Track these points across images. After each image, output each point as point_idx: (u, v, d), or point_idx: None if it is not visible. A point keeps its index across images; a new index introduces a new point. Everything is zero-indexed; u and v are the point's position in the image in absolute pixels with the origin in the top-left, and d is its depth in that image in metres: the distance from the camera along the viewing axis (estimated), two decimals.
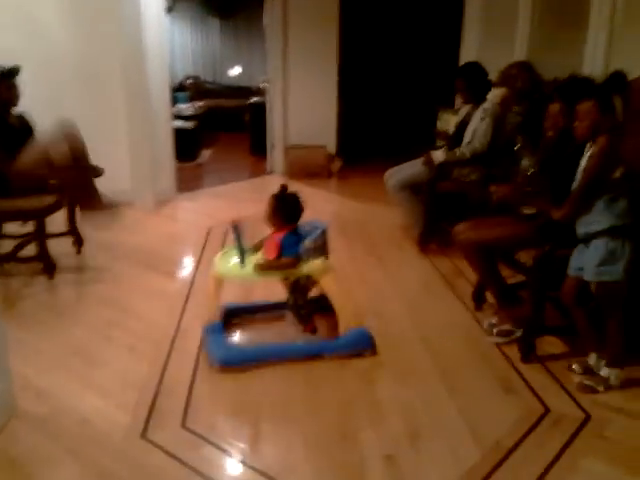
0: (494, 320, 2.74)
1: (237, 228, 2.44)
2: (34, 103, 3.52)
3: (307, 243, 2.44)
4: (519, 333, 2.60)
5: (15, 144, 3.40)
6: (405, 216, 4.15)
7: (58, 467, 1.88)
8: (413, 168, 4.01)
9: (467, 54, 5.18)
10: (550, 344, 2.60)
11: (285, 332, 2.69)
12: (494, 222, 2.74)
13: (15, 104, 3.38)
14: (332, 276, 2.53)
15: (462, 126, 3.93)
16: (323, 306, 2.64)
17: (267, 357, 2.47)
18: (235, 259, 2.50)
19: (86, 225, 3.69)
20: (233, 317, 2.81)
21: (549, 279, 2.42)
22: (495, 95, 3.77)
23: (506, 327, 2.66)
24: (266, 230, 2.55)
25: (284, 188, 2.48)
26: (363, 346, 2.54)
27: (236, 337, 2.72)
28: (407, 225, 4.18)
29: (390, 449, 1.96)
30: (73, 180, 3.47)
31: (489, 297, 2.93)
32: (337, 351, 2.50)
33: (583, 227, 2.26)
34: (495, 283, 2.77)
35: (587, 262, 2.21)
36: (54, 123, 3.49)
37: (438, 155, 3.90)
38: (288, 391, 2.30)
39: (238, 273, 2.49)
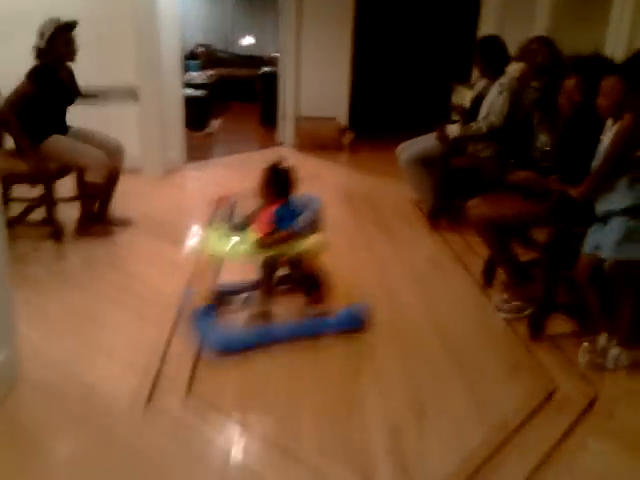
0: (505, 296, 2.71)
1: (227, 205, 2.43)
2: None
3: (304, 217, 2.40)
4: (529, 310, 2.57)
5: (63, 100, 3.40)
6: (416, 191, 4.10)
7: (64, 433, 1.89)
8: (426, 142, 3.95)
9: (486, 27, 5.06)
10: (560, 323, 2.56)
11: (281, 311, 2.59)
12: (508, 199, 2.69)
13: (71, 59, 3.34)
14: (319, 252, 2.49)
15: (478, 100, 3.85)
16: (312, 282, 2.58)
17: (266, 340, 2.38)
18: (228, 237, 2.41)
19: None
20: (224, 298, 2.68)
21: (562, 257, 2.38)
22: (514, 69, 3.68)
23: (517, 304, 2.64)
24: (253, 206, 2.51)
25: (278, 161, 2.44)
26: (359, 323, 2.50)
27: (230, 320, 2.58)
28: (418, 200, 4.13)
29: (395, 422, 1.96)
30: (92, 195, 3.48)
31: (500, 274, 2.89)
32: (334, 328, 2.46)
33: (603, 205, 2.21)
34: (507, 260, 2.73)
35: (606, 239, 2.17)
36: (107, 139, 3.53)
37: (453, 129, 3.83)
38: (294, 362, 2.29)
39: (237, 251, 2.38)
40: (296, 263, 2.52)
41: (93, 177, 3.36)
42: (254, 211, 2.49)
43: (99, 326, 2.53)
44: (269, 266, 2.49)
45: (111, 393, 2.06)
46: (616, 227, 2.15)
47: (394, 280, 3.06)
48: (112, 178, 3.53)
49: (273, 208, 2.38)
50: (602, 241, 2.18)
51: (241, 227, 2.44)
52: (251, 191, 2.50)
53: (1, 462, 1.75)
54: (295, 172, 2.46)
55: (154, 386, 2.09)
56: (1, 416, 1.92)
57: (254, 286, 2.68)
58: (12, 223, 3.29)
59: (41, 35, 3.18)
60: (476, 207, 2.75)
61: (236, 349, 2.31)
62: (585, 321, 2.52)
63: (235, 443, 1.87)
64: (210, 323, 2.44)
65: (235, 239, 2.40)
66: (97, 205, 3.57)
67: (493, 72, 3.74)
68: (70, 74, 3.45)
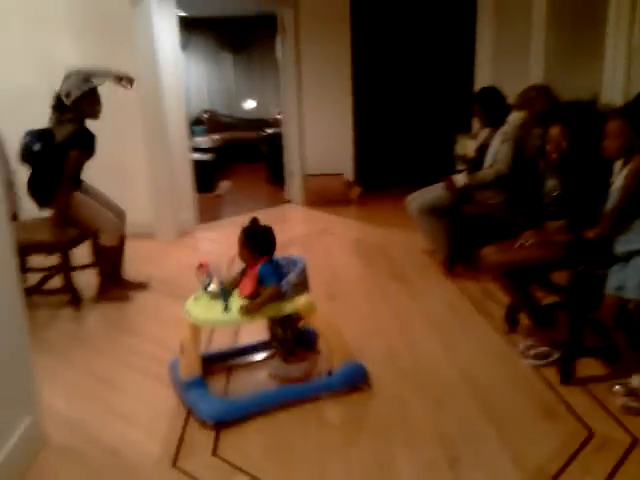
0: (530, 342, 2.67)
1: (206, 271, 2.36)
2: None
3: (291, 278, 2.33)
4: (557, 355, 2.53)
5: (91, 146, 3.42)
6: (428, 240, 4.11)
7: None
8: (434, 192, 3.99)
9: (481, 77, 5.21)
10: (590, 366, 2.51)
11: (268, 376, 2.54)
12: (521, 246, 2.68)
13: (97, 118, 3.41)
14: (320, 312, 2.41)
15: (482, 150, 3.92)
16: (305, 342, 2.53)
17: (262, 406, 2.27)
18: (210, 304, 2.33)
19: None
20: (211, 365, 2.58)
21: (586, 299, 2.36)
22: (515, 118, 3.76)
23: (543, 349, 2.59)
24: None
25: (254, 221, 2.39)
26: (359, 380, 2.42)
27: (221, 389, 2.48)
28: (431, 249, 4.14)
29: (427, 475, 1.89)
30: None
31: (522, 319, 2.86)
32: (334, 388, 2.38)
33: (622, 245, 2.21)
34: (529, 305, 2.71)
35: (629, 280, 2.15)
36: (112, 201, 3.63)
37: (459, 179, 3.88)
38: (321, 419, 2.24)
39: (223, 319, 2.29)
40: (287, 321, 2.43)
41: (108, 240, 3.41)
42: (236, 275, 2.44)
43: (120, 390, 2.50)
44: (286, 323, 2.43)
45: (135, 457, 2.02)
46: (638, 267, 2.14)
47: (414, 330, 3.03)
48: (122, 241, 3.59)
49: (256, 268, 2.32)
50: (625, 282, 2.17)
51: (223, 293, 2.31)
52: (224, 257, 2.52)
53: None
54: (273, 231, 2.39)
55: (178, 449, 2.05)
56: None
57: (243, 351, 2.72)
58: (30, 292, 3.32)
59: (67, 94, 3.21)
60: (490, 255, 2.73)
61: (234, 417, 2.20)
62: (616, 362, 2.48)
63: None
64: (201, 393, 2.29)
65: (216, 306, 2.31)
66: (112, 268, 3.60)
67: (494, 122, 3.82)
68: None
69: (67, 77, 3.25)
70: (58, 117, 3.28)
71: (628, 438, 2.04)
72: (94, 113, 3.38)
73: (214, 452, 2.04)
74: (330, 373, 2.43)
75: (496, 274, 2.75)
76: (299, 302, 2.34)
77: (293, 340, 2.47)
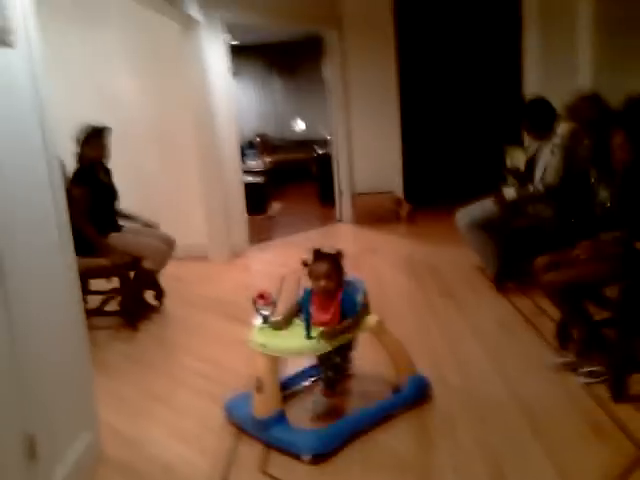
0: (581, 360, 2.60)
1: (267, 301, 2.29)
2: (114, 167, 3.79)
3: (360, 299, 2.31)
4: (607, 375, 2.45)
5: (107, 197, 3.66)
6: (479, 255, 4.07)
7: None
8: (484, 206, 3.96)
9: (530, 86, 5.12)
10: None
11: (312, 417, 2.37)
12: (576, 258, 2.60)
13: (101, 160, 3.63)
14: (386, 328, 2.42)
15: (532, 162, 3.87)
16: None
17: (353, 432, 2.20)
18: (281, 333, 2.27)
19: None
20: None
21: (638, 313, 2.29)
22: (564, 129, 3.70)
23: (595, 367, 2.52)
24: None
25: (328, 248, 2.31)
26: (426, 392, 2.45)
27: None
28: (481, 265, 4.09)
29: None
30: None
31: (574, 335, 2.79)
32: (407, 403, 2.38)
33: None
34: (582, 323, 2.63)
35: None
36: (158, 232, 3.80)
37: (509, 192, 3.84)
38: (366, 438, 2.24)
39: (307, 347, 2.20)
40: (342, 350, 2.36)
41: (150, 265, 3.58)
42: (295, 304, 2.37)
43: (173, 408, 2.59)
44: (342, 351, 2.36)
45: (187, 473, 2.09)
46: None
47: (464, 347, 3.00)
48: (162, 267, 3.75)
49: (337, 296, 2.26)
50: None
51: (307, 319, 2.26)
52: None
53: None
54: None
55: (228, 466, 2.11)
56: None
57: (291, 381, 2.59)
58: (90, 314, 3.50)
59: (76, 141, 3.49)
60: (544, 272, 2.65)
61: (331, 447, 2.13)
62: None
63: None
64: (288, 428, 2.20)
65: (290, 335, 2.26)
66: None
67: (543, 134, 3.77)
68: (107, 174, 3.74)
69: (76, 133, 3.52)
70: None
71: None
72: (99, 156, 3.61)
73: (263, 469, 2.09)
74: (397, 389, 2.42)
75: (552, 293, 2.67)
76: (371, 323, 2.34)
77: (345, 367, 2.44)
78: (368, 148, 6.32)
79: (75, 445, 2.04)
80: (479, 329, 3.23)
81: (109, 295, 3.69)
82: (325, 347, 2.19)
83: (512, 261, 3.80)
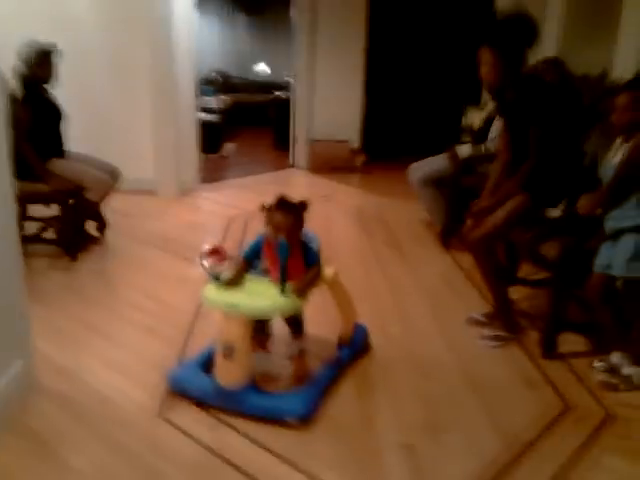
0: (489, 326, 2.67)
1: (225, 256, 2.10)
2: (65, 92, 3.59)
3: (316, 250, 2.15)
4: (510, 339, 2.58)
5: (54, 119, 3.48)
6: (427, 211, 4.12)
7: (78, 443, 1.90)
8: (437, 162, 3.98)
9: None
10: (572, 341, 2.54)
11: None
12: (482, 210, 2.66)
13: (47, 82, 3.43)
14: (340, 280, 2.31)
15: (489, 122, 3.88)
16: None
17: (325, 388, 2.15)
18: (245, 291, 2.04)
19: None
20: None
21: (574, 275, 2.37)
22: None
23: (500, 332, 2.61)
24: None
25: (285, 199, 2.08)
26: (367, 343, 2.48)
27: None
28: (429, 220, 4.14)
29: (408, 438, 1.95)
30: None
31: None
32: (357, 353, 2.41)
33: (612, 222, 2.21)
34: (497, 289, 2.66)
35: (616, 257, 2.16)
36: (104, 162, 3.63)
37: (463, 150, 3.86)
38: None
39: (287, 305, 2.01)
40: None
41: (93, 196, 3.47)
42: (242, 257, 2.14)
43: (111, 341, 2.55)
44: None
45: (123, 406, 2.08)
46: (626, 245, 2.15)
47: (407, 299, 3.06)
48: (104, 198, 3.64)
49: (298, 249, 2.07)
50: (613, 259, 2.18)
51: (282, 274, 2.00)
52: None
53: (18, 470, 1.77)
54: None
55: (165, 400, 2.10)
56: (18, 425, 1.95)
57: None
58: (27, 241, 3.36)
59: (23, 59, 3.30)
60: (471, 230, 2.68)
61: (315, 408, 2.04)
62: (598, 339, 2.51)
63: (245, 458, 1.85)
64: (266, 396, 2.06)
65: (257, 293, 2.04)
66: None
67: None
68: (51, 95, 3.54)
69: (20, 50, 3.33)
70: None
71: (603, 413, 2.08)
72: (46, 77, 3.41)
73: (199, 404, 2.08)
74: (344, 341, 2.37)
75: (474, 250, 2.63)
76: (329, 275, 2.21)
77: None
78: (329, 95, 6.20)
79: (6, 372, 1.98)
80: (422, 282, 3.30)
81: (48, 223, 3.54)
82: (299, 303, 2.04)
83: (458, 218, 3.86)
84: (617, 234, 2.19)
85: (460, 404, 2.15)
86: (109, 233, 3.81)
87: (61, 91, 3.56)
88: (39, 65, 3.35)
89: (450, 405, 2.14)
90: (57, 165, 3.40)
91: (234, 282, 2.04)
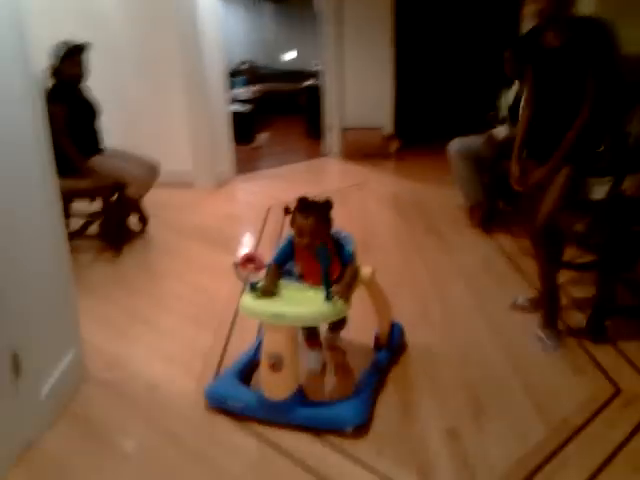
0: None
1: (261, 264, 1.98)
2: (98, 88, 3.66)
3: (352, 250, 2.03)
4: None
5: (88, 117, 3.54)
6: (459, 185, 4.00)
7: (128, 429, 1.96)
8: (476, 141, 3.92)
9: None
10: (621, 325, 2.48)
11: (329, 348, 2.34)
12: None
13: (80, 80, 3.49)
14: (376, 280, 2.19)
15: (518, 99, 3.80)
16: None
17: (374, 389, 2.08)
18: (284, 299, 1.92)
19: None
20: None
21: (622, 258, 2.32)
22: None
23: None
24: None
25: (307, 200, 1.97)
26: (404, 341, 2.42)
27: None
28: (462, 195, 4.03)
29: (453, 423, 1.94)
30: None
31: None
32: (397, 351, 2.35)
33: None
34: (549, 279, 2.47)
35: None
36: (143, 158, 3.69)
37: (500, 132, 3.79)
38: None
39: (334, 311, 1.88)
40: None
41: (132, 193, 3.55)
42: (273, 264, 2.02)
43: (157, 330, 2.61)
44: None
45: (171, 394, 2.13)
46: None
47: (447, 285, 3.04)
48: (144, 194, 3.71)
49: (332, 250, 1.96)
50: None
51: (326, 280, 1.86)
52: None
53: (72, 454, 1.83)
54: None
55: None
56: (71, 412, 2.02)
57: None
58: (73, 236, 3.45)
59: (54, 57, 3.35)
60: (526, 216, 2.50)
61: (368, 416, 1.95)
62: None
63: (293, 441, 1.87)
64: (317, 405, 2.00)
65: (296, 300, 1.92)
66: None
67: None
68: (85, 92, 3.59)
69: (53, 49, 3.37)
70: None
71: None
72: (78, 75, 3.46)
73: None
74: (381, 341, 2.30)
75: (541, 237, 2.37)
76: (367, 274, 2.09)
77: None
78: (360, 82, 6.15)
79: (59, 363, 2.05)
80: (463, 267, 3.26)
81: (91, 218, 3.62)
82: (345, 307, 1.91)
83: (499, 201, 3.81)
84: None
85: (504, 389, 2.13)
86: (150, 226, 3.88)
87: (94, 87, 3.62)
88: (72, 64, 3.40)
89: (494, 390, 2.12)
90: (96, 162, 3.47)
91: (271, 291, 1.92)
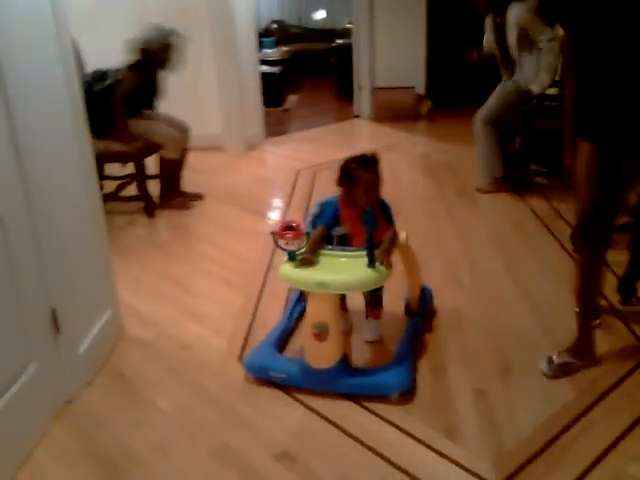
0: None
1: (301, 233, 1.86)
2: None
3: (390, 211, 2.01)
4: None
5: (150, 94, 3.59)
6: (480, 155, 3.91)
7: (163, 385, 2.03)
8: (491, 100, 3.82)
9: None
10: None
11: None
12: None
13: (163, 66, 3.52)
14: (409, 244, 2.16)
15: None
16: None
17: (413, 358, 2.05)
18: (326, 266, 1.87)
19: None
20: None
21: None
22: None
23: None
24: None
25: (369, 156, 1.97)
26: (433, 306, 2.40)
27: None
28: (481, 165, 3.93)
29: (480, 383, 1.96)
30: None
31: None
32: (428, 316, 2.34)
33: None
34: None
35: None
36: (173, 118, 3.68)
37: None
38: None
39: (372, 277, 1.82)
40: None
41: (169, 153, 3.57)
42: (318, 229, 1.97)
43: (190, 292, 2.68)
44: None
45: (205, 352, 2.19)
46: None
47: (478, 248, 3.02)
48: (183, 154, 3.71)
49: (378, 208, 1.93)
50: None
51: (369, 245, 1.82)
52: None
53: (108, 408, 1.91)
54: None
55: (243, 347, 2.20)
56: (108, 369, 2.11)
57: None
58: (106, 199, 3.51)
59: (145, 38, 3.40)
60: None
61: (412, 382, 1.95)
62: None
63: (317, 398, 1.91)
64: (362, 372, 1.99)
65: (337, 265, 1.88)
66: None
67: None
68: (160, 78, 3.61)
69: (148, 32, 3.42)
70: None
71: None
72: (165, 63, 3.49)
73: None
74: (412, 306, 2.29)
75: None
76: (403, 238, 2.06)
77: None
78: (391, 41, 6.00)
79: (96, 321, 2.13)
80: (494, 230, 3.23)
81: (124, 180, 3.69)
82: (388, 273, 1.86)
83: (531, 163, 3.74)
84: None
85: (532, 351, 2.12)
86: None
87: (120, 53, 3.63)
88: (162, 49, 3.44)
89: (522, 352, 2.13)
90: (134, 124, 3.50)
91: (310, 260, 1.86)
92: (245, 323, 2.36)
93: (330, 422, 1.81)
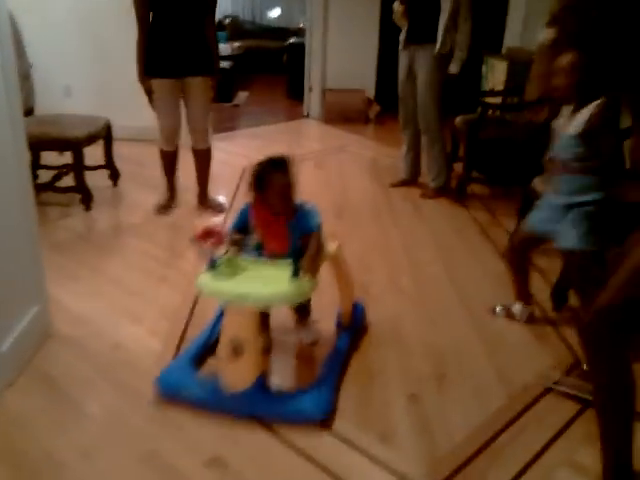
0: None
1: (222, 238, 1.76)
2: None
3: (318, 222, 1.86)
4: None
5: None
6: (428, 162, 3.92)
7: (92, 387, 1.94)
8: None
9: None
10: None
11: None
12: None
13: None
14: (342, 255, 2.12)
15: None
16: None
17: (338, 376, 1.97)
18: (244, 277, 1.76)
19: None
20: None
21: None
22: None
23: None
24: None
25: (278, 158, 1.86)
26: (365, 321, 2.32)
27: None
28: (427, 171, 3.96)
29: (415, 388, 1.97)
30: None
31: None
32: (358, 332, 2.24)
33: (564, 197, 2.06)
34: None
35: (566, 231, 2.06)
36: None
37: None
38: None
39: (296, 290, 1.71)
40: None
41: (159, 143, 3.43)
42: (235, 235, 1.86)
43: (125, 289, 2.58)
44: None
45: (137, 352, 2.11)
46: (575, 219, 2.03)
47: (420, 252, 3.04)
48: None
49: (290, 217, 1.85)
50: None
51: (294, 255, 1.75)
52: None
53: (33, 412, 1.81)
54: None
55: (178, 348, 2.14)
56: (33, 369, 2.00)
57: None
58: (40, 189, 3.36)
59: None
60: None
61: (333, 402, 1.85)
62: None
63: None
64: (274, 395, 1.86)
65: (255, 277, 1.76)
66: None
67: None
68: None
69: None
70: None
71: None
72: None
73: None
74: (344, 321, 2.22)
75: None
76: (333, 248, 1.99)
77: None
78: (344, 43, 6.01)
79: (21, 317, 2.01)
80: (436, 236, 3.27)
81: (60, 170, 3.53)
82: (313, 285, 1.76)
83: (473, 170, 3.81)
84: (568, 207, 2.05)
85: (468, 356, 2.16)
86: (121, 182, 3.80)
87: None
88: None
89: (458, 357, 2.16)
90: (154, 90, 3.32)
91: (233, 268, 1.76)
92: (181, 323, 2.29)
93: (261, 426, 1.77)
